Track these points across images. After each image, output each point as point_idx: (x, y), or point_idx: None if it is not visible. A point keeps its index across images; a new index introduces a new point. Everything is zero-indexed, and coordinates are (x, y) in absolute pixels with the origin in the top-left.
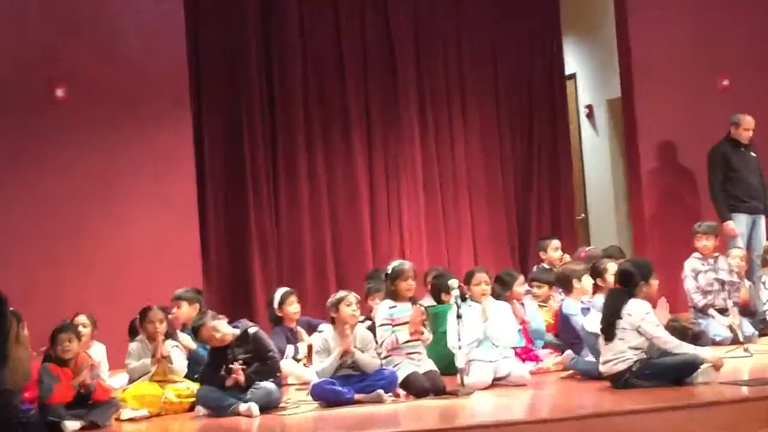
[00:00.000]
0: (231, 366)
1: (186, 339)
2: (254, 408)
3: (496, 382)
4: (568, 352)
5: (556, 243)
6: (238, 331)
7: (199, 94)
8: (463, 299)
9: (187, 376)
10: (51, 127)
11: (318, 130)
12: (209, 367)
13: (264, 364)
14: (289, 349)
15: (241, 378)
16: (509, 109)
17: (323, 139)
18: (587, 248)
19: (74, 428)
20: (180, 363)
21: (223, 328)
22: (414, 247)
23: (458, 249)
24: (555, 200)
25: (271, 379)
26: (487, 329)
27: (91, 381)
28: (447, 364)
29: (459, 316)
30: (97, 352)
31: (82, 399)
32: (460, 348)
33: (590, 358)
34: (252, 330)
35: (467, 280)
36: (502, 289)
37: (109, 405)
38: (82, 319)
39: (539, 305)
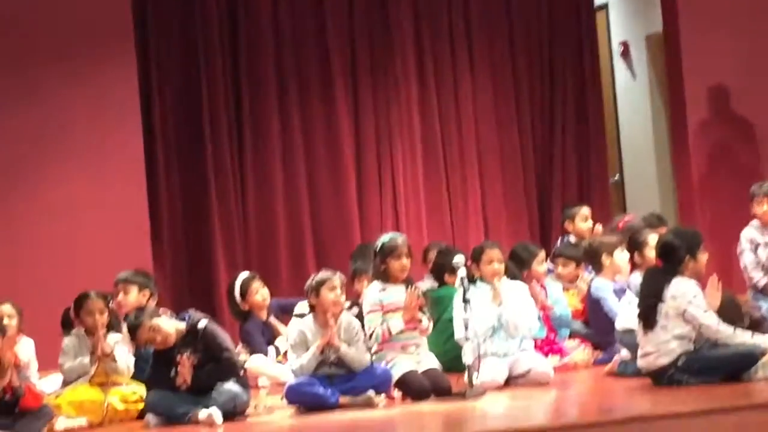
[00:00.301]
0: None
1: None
2: (216, 415)
3: (513, 381)
4: (617, 357)
5: (585, 211)
6: (183, 326)
7: (146, 36)
8: (472, 281)
9: (135, 378)
10: None
11: (293, 80)
12: (154, 372)
13: (219, 364)
14: (270, 351)
15: (187, 374)
16: (526, 50)
17: (299, 91)
18: (626, 217)
19: None
20: (125, 361)
21: (165, 326)
22: (411, 218)
23: (465, 220)
24: (583, 159)
25: (233, 379)
26: (502, 316)
27: (19, 383)
28: (452, 359)
29: (466, 301)
30: (25, 348)
31: (7, 406)
32: (467, 339)
33: (625, 353)
34: (201, 324)
35: (475, 257)
36: (517, 267)
37: (41, 413)
38: (6, 308)
39: (564, 287)
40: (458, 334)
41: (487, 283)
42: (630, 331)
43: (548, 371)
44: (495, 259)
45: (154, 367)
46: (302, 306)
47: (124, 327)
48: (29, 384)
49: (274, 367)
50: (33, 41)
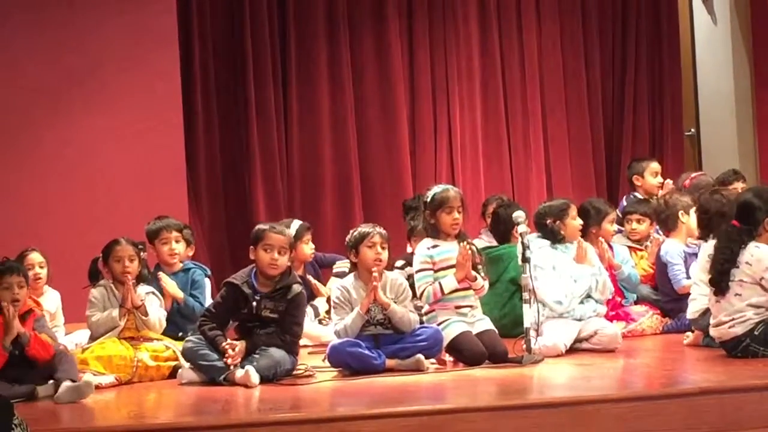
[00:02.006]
0: (225, 345)
1: (171, 285)
2: (252, 375)
3: (577, 345)
4: (698, 333)
5: (654, 166)
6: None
7: None
8: (558, 240)
9: (168, 334)
10: None
11: (343, 18)
12: (222, 302)
13: (281, 337)
14: (308, 311)
15: (237, 360)
16: None
17: (350, 30)
18: (693, 174)
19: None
20: (156, 313)
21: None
22: (468, 169)
23: (526, 174)
24: (656, 111)
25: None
26: (593, 276)
27: (24, 331)
28: (510, 323)
29: (526, 260)
30: (51, 300)
31: (19, 360)
32: (530, 301)
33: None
34: (298, 289)
35: (558, 214)
36: (586, 225)
37: (56, 359)
38: (36, 257)
39: (630, 247)
40: (555, 296)
41: (569, 242)
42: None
43: (616, 334)
44: (577, 215)
45: (223, 298)
46: (342, 264)
47: (164, 278)
48: (36, 334)
49: (316, 327)
50: None
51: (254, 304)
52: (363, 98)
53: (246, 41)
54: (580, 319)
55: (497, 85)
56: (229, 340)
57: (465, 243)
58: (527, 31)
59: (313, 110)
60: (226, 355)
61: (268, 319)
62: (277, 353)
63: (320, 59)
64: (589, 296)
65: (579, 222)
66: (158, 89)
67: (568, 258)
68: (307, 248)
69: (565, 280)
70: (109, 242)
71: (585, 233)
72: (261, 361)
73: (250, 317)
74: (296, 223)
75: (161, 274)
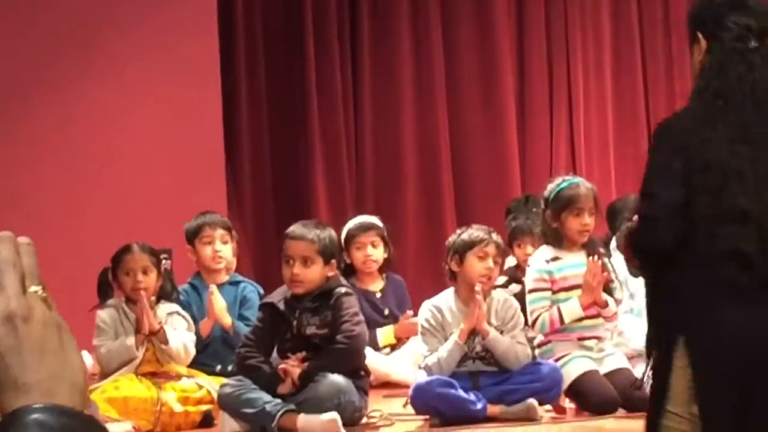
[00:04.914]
0: (282, 366)
1: (220, 304)
2: (308, 418)
3: None
4: None
5: None
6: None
7: None
8: None
9: (204, 367)
10: None
11: None
12: (257, 332)
13: (336, 353)
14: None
15: (294, 380)
16: None
17: None
18: None
19: None
20: (179, 339)
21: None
22: (594, 158)
23: None
24: None
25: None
26: None
27: None
28: None
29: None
30: None
31: None
32: None
33: None
34: (340, 291)
35: None
36: None
37: None
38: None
39: None
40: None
41: None
42: None
43: None
44: None
45: (261, 321)
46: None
47: (216, 297)
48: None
49: (387, 362)
50: None
51: (294, 322)
52: (457, 70)
53: (305, 5)
54: None
55: (634, 54)
56: (285, 366)
57: (595, 257)
58: None
59: (391, 85)
60: (283, 374)
61: (317, 337)
62: (335, 378)
63: (401, 23)
64: None
65: None
66: (190, 54)
67: None
68: (360, 255)
69: None
70: (119, 249)
71: None
72: (319, 389)
73: (296, 341)
74: (350, 223)
75: (213, 288)
